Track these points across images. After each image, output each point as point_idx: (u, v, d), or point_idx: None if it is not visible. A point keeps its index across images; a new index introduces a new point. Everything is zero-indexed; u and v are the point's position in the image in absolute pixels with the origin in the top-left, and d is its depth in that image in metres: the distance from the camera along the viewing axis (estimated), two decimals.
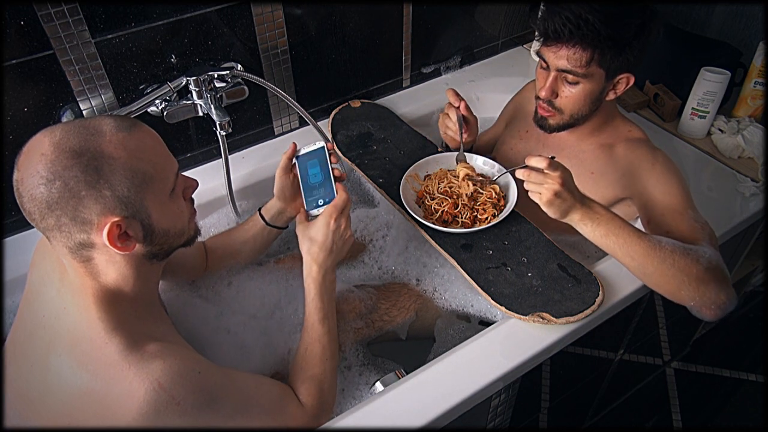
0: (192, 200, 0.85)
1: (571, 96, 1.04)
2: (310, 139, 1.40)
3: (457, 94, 1.16)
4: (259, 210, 1.08)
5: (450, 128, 1.18)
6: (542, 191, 0.90)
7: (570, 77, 1.01)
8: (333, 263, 0.94)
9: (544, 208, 0.92)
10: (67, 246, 0.71)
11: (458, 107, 1.16)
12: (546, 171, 0.89)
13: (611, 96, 1.06)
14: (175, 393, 0.70)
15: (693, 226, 0.98)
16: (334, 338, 0.95)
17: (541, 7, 0.98)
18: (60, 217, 0.67)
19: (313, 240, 0.91)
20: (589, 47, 0.97)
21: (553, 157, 0.90)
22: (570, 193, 0.90)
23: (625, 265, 0.95)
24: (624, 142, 1.11)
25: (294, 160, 0.99)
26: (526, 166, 0.91)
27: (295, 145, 0.99)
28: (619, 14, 0.95)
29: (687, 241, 0.96)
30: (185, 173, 1.31)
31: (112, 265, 0.74)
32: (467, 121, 1.17)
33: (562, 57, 0.99)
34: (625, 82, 1.04)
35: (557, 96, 1.05)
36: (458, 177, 1.15)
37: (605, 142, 1.12)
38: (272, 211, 1.06)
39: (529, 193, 0.93)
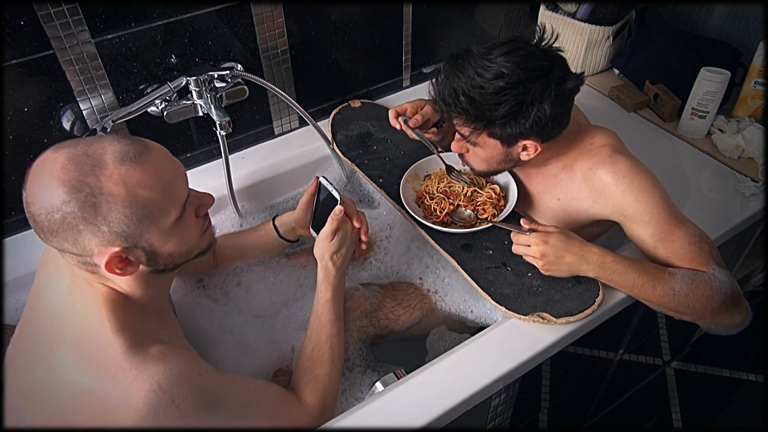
0: (206, 215, 0.83)
1: (474, 156, 1.04)
2: (311, 140, 1.41)
3: (396, 117, 1.13)
4: (273, 220, 1.09)
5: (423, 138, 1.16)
6: (530, 261, 0.96)
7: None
8: (346, 266, 0.97)
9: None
10: (73, 261, 0.72)
11: (400, 128, 1.14)
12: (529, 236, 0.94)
13: (524, 157, 1.00)
14: (175, 395, 0.70)
15: (690, 252, 0.95)
16: (342, 340, 0.96)
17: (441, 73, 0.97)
18: (62, 243, 0.68)
19: (334, 245, 0.94)
20: (468, 121, 0.95)
21: (530, 230, 0.95)
22: (559, 255, 0.92)
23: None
24: (585, 159, 1.02)
25: (319, 186, 1.00)
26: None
27: (317, 178, 1.00)
28: (493, 93, 0.90)
29: (691, 269, 0.95)
30: (186, 173, 1.33)
31: (119, 278, 0.74)
32: (428, 123, 1.15)
33: (454, 121, 0.99)
34: (532, 147, 0.98)
35: (467, 151, 1.05)
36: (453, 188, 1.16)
37: (567, 164, 1.05)
38: (286, 227, 1.08)
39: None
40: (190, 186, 0.79)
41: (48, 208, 0.66)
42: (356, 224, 0.97)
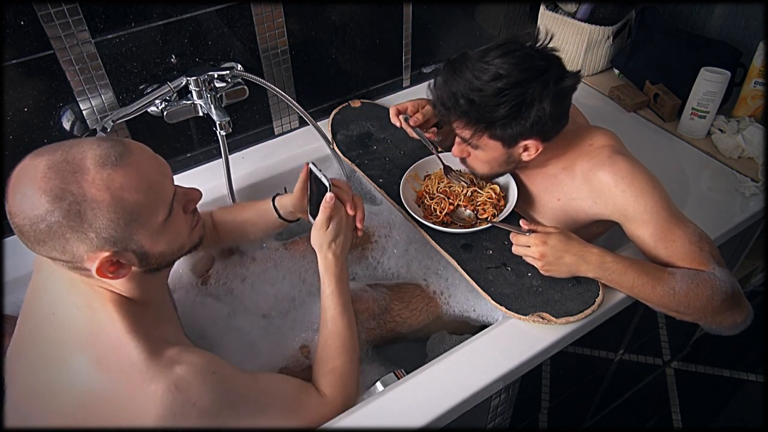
0: (195, 210, 0.83)
1: (476, 159, 1.05)
2: (311, 140, 1.41)
3: (396, 115, 1.13)
4: (273, 200, 1.07)
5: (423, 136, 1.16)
6: (530, 262, 0.96)
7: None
8: (345, 253, 0.95)
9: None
10: (65, 267, 0.71)
11: (400, 126, 1.14)
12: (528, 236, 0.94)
13: (526, 157, 1.01)
14: (191, 395, 0.70)
15: (690, 251, 0.95)
16: (353, 330, 0.95)
17: (439, 77, 0.98)
18: (50, 251, 0.67)
19: (330, 234, 0.92)
20: (468, 124, 0.96)
21: (530, 230, 0.95)
22: (558, 255, 0.93)
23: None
24: (585, 159, 1.02)
25: (310, 172, 0.98)
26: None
27: (307, 164, 0.98)
28: (492, 95, 0.91)
29: (691, 269, 0.95)
30: (186, 173, 1.34)
31: (113, 280, 0.73)
32: (428, 123, 1.15)
33: (454, 125, 1.00)
34: (533, 147, 0.98)
35: (469, 155, 1.06)
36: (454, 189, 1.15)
37: (567, 164, 1.05)
38: (286, 209, 1.07)
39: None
40: (178, 183, 0.78)
41: (32, 219, 0.64)
42: (350, 211, 0.95)
